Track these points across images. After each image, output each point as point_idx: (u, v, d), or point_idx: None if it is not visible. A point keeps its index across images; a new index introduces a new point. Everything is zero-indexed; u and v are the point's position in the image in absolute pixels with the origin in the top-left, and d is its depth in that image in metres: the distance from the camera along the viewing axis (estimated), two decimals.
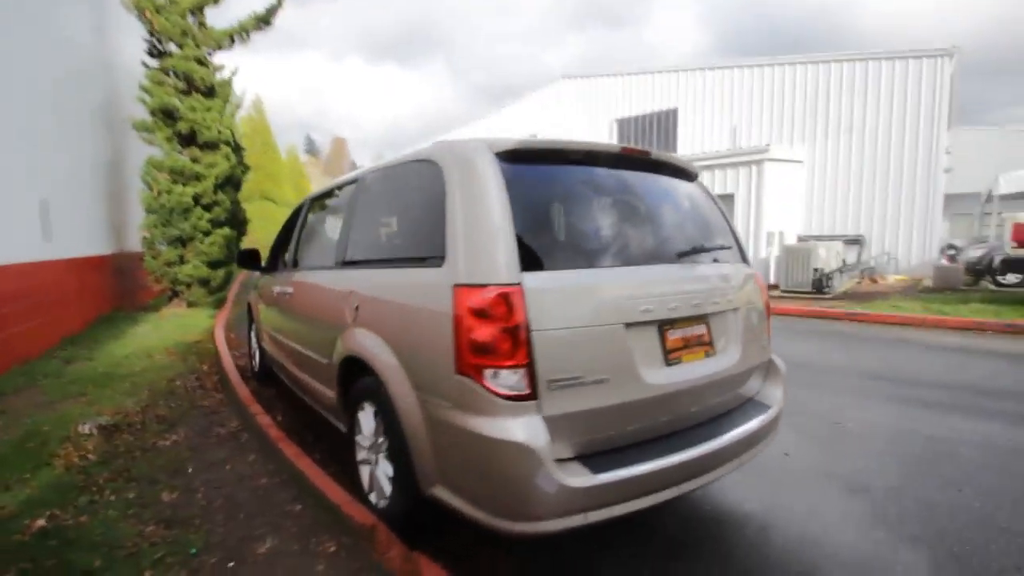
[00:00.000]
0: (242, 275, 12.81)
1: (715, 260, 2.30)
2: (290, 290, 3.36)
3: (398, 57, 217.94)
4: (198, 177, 8.01)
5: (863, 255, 13.84)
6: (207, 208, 8.25)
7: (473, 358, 1.67)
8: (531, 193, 1.88)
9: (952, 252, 15.45)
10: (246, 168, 9.00)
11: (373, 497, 2.33)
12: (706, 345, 2.08)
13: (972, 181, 18.44)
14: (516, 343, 1.64)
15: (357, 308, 2.34)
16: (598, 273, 1.87)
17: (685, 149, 16.71)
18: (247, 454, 3.07)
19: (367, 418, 2.34)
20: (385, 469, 2.21)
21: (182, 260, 8.15)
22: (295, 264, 3.52)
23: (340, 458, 2.97)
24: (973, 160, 19.93)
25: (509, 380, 1.63)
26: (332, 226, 3.06)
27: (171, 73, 7.96)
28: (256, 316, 4.54)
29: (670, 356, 1.93)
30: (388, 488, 2.18)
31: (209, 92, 8.25)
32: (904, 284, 11.82)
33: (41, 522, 2.24)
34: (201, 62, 8.09)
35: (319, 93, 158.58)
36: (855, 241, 13.94)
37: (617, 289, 1.85)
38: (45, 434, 3.25)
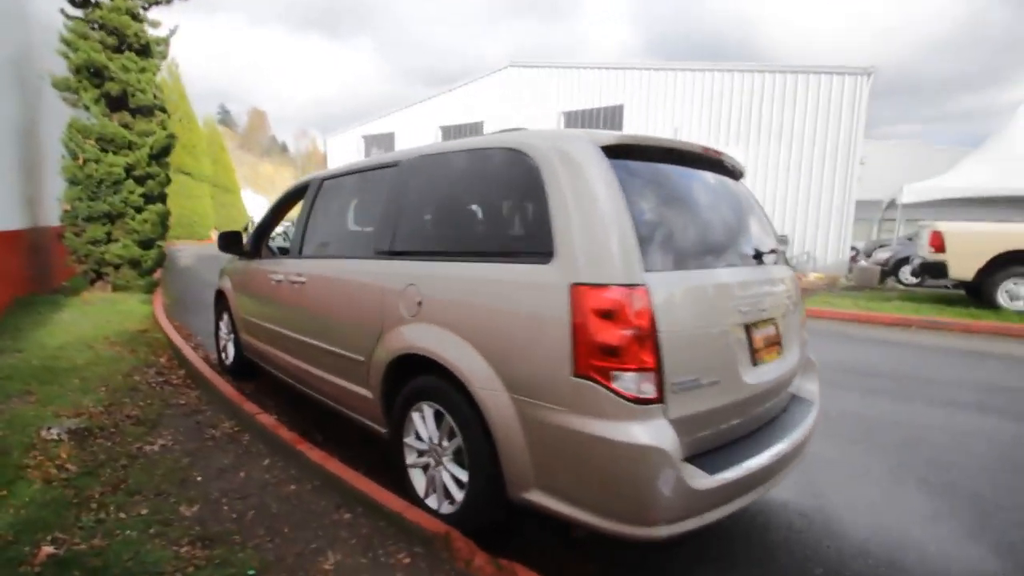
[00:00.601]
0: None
1: (771, 262, 2.39)
2: (300, 279, 3.08)
3: (324, 29, 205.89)
4: (130, 146, 7.14)
5: (787, 254, 15.07)
6: (140, 181, 7.39)
7: (598, 360, 1.62)
8: (638, 190, 1.84)
9: (853, 253, 17.16)
10: (174, 137, 8.13)
11: (432, 502, 2.22)
12: (778, 345, 2.16)
13: (867, 190, 20.60)
14: (644, 345, 1.60)
15: (420, 303, 2.19)
16: (708, 274, 1.88)
17: None
18: (258, 459, 2.81)
19: (424, 420, 2.21)
20: (454, 473, 2.10)
21: (110, 238, 7.26)
22: (301, 251, 3.23)
23: (366, 459, 2.79)
24: (868, 171, 22.24)
25: (637, 383, 1.60)
26: (362, 212, 2.83)
27: (98, 26, 6.99)
28: (232, 305, 4.14)
29: (755, 356, 1.99)
30: (458, 493, 2.08)
31: (143, 51, 7.35)
32: (823, 281, 12.99)
33: (48, 548, 1.91)
34: (135, 16, 7.17)
35: (235, 61, 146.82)
36: (781, 241, 15.11)
37: (725, 290, 1.87)
38: (2, 441, 2.78)
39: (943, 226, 7.55)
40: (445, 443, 2.15)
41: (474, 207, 2.19)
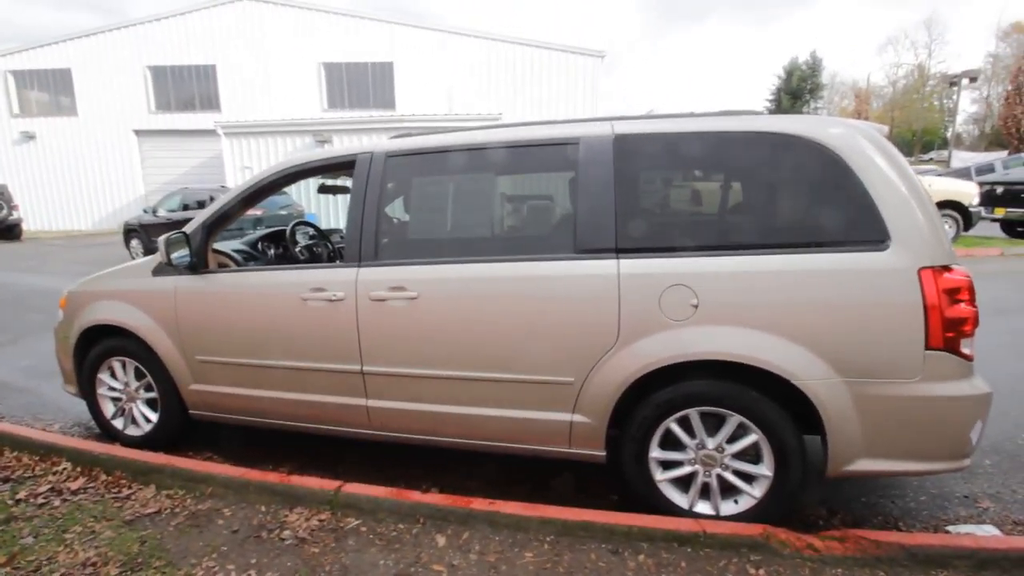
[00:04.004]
0: None
1: None
2: (399, 294, 2.27)
3: None
4: None
5: None
6: None
7: (951, 333, 1.86)
8: None
9: None
10: None
11: (704, 509, 2.16)
12: None
13: None
14: (974, 313, 1.90)
15: (696, 305, 1.98)
16: None
17: (404, 107, 16.64)
18: (419, 540, 2.07)
19: (692, 428, 2.10)
20: (746, 471, 2.09)
21: None
22: (377, 255, 2.36)
23: (506, 495, 2.38)
24: None
25: (971, 346, 1.91)
26: (517, 200, 2.24)
27: None
28: (160, 347, 2.70)
29: None
30: (754, 490, 2.09)
31: None
32: None
33: None
34: None
35: None
36: None
37: None
38: None
39: None
40: (726, 446, 2.08)
41: (752, 196, 2.05)
